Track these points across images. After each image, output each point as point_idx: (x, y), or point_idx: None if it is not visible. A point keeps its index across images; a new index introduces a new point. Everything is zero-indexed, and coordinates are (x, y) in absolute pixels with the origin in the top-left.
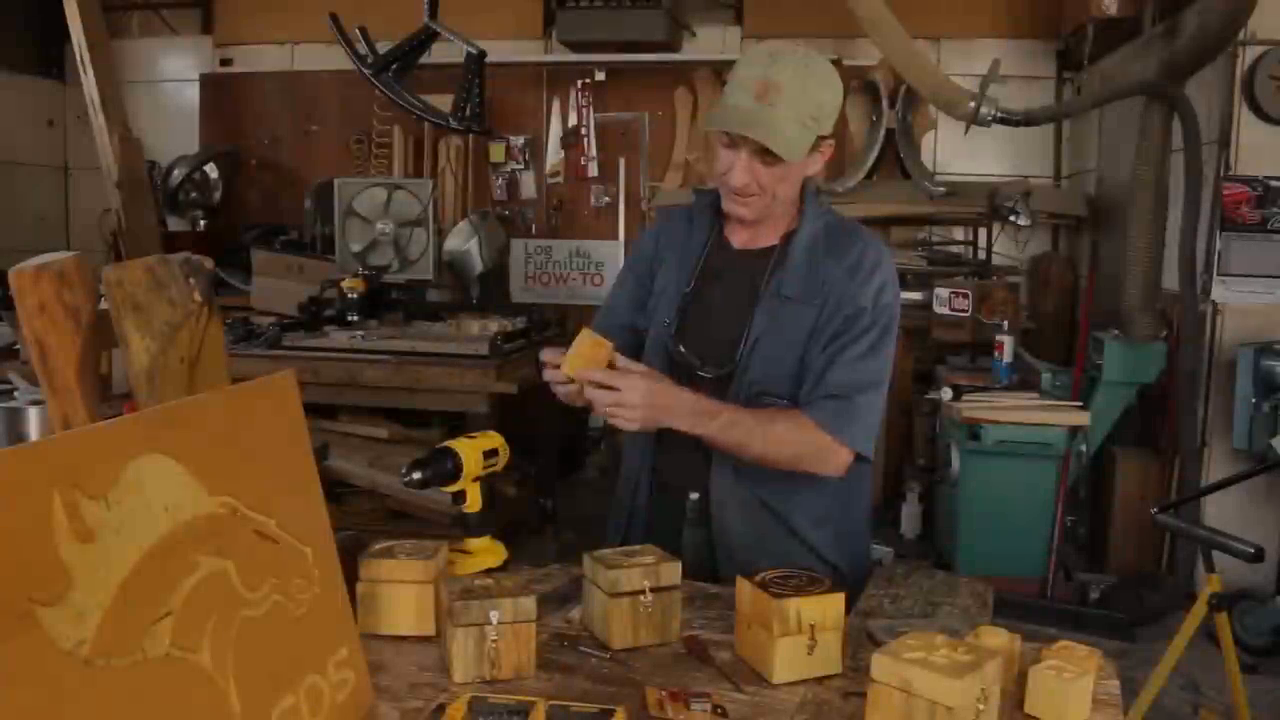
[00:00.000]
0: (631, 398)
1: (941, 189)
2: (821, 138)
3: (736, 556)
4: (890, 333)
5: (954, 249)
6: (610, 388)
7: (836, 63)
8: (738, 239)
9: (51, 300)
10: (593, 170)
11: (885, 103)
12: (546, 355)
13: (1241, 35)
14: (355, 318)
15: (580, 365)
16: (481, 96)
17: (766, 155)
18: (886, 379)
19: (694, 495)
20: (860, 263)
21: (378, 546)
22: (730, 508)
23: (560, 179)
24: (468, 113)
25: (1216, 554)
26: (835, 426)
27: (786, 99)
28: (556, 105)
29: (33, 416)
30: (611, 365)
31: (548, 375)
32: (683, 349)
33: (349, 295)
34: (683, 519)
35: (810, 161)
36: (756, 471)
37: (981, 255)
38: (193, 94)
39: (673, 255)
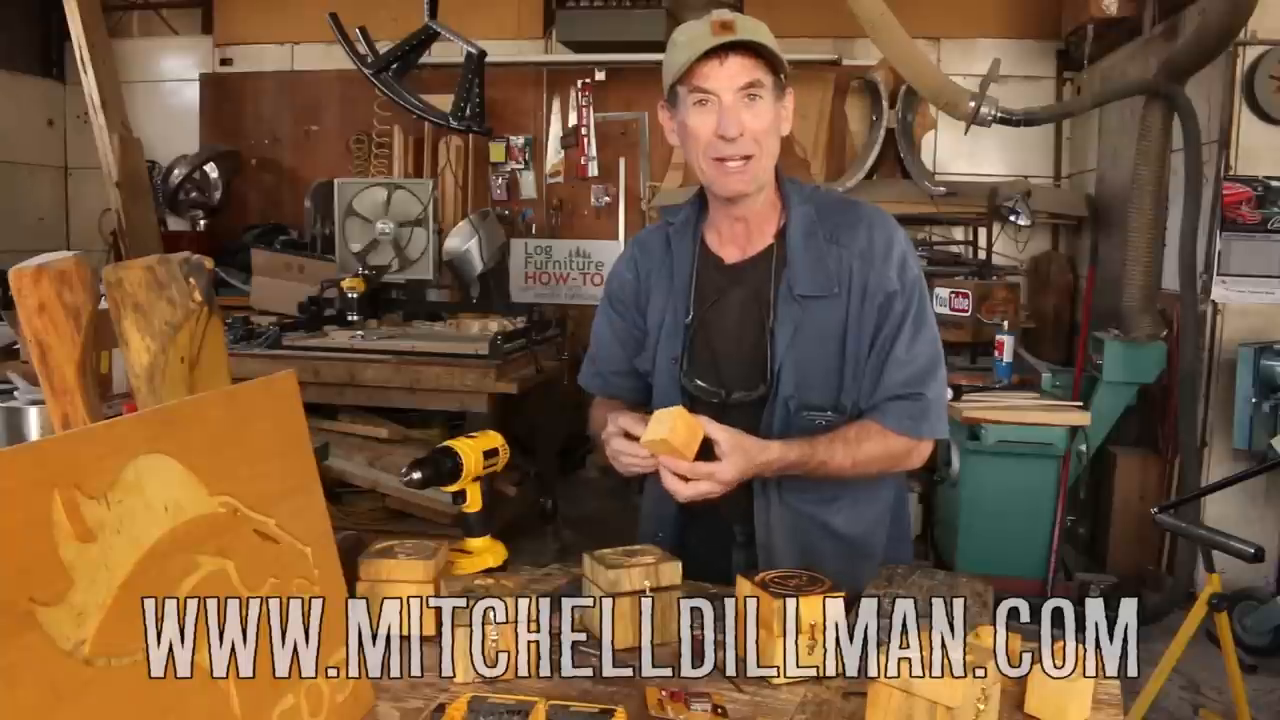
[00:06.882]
0: (716, 490)
1: (941, 189)
2: (783, 87)
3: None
4: (925, 301)
5: (954, 249)
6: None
7: (836, 62)
8: (729, 253)
9: (51, 300)
10: (593, 170)
11: (885, 103)
12: (625, 422)
13: (1241, 35)
14: (355, 317)
15: (667, 452)
16: (481, 96)
17: (750, 92)
18: (940, 351)
19: (738, 527)
20: (872, 244)
21: (378, 546)
22: (779, 532)
23: (560, 179)
24: (468, 113)
25: (1216, 554)
26: (913, 428)
27: (744, 26)
28: (556, 105)
29: (33, 416)
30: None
31: (617, 445)
32: (700, 382)
33: (349, 295)
34: (719, 545)
35: (784, 109)
36: (801, 495)
37: (981, 255)
38: (193, 94)
39: (659, 282)
